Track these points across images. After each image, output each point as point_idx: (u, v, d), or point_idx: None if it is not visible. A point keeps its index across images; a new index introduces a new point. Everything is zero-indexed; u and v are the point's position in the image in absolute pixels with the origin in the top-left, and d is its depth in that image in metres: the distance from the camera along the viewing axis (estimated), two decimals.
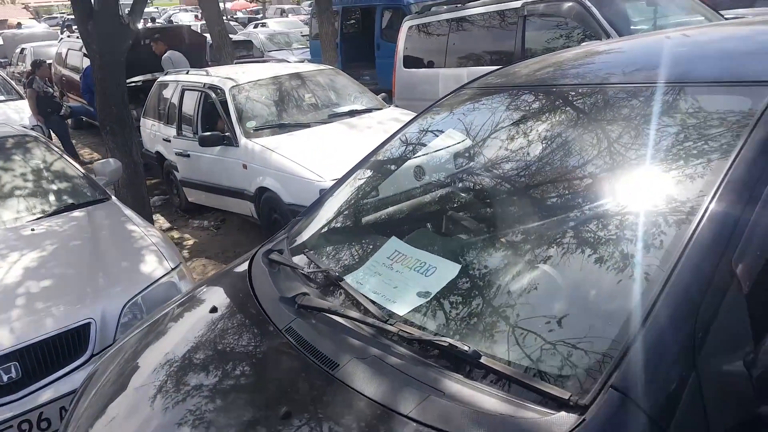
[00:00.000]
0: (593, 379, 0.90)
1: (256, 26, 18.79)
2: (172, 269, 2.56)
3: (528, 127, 1.56)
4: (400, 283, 1.32)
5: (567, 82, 1.64)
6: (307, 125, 4.71)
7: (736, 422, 0.89)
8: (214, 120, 5.22)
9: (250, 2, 34.50)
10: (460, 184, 1.75)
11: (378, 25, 10.61)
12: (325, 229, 1.80)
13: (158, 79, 6.18)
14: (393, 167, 1.91)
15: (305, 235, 1.78)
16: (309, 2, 33.50)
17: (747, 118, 1.10)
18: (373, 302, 1.28)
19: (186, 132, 5.38)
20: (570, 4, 4.37)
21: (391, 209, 1.82)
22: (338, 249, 1.71)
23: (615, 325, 0.95)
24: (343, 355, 1.15)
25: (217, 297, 1.68)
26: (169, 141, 5.54)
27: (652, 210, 1.11)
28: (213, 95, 5.02)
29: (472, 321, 1.18)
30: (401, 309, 1.24)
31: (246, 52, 12.34)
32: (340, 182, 1.93)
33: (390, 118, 4.77)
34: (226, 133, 4.72)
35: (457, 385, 0.99)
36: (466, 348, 1.02)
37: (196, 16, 23.61)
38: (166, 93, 5.83)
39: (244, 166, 4.54)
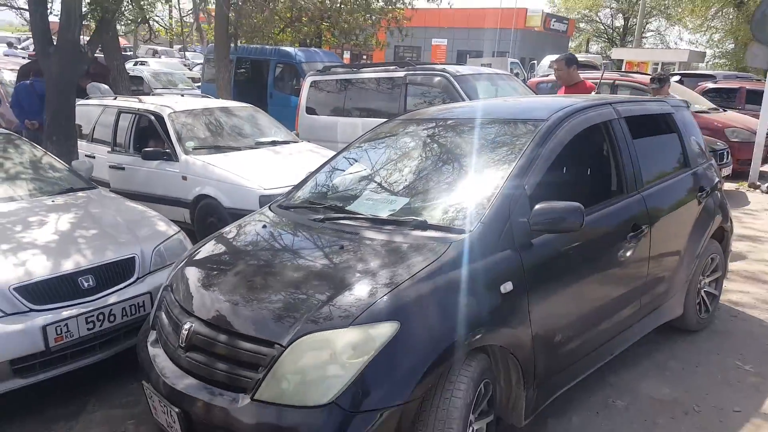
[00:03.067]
0: (473, 220, 2.32)
1: (135, 64, 18.96)
2: (179, 231, 3.58)
3: (419, 139, 3.07)
4: (371, 208, 2.67)
5: (440, 117, 3.19)
6: (237, 149, 5.82)
7: (526, 241, 2.36)
8: (145, 139, 6.07)
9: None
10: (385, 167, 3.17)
11: (271, 77, 11.94)
12: (310, 195, 3.08)
13: (81, 103, 6.81)
14: (344, 167, 3.28)
15: (295, 201, 3.05)
16: (179, 47, 33.80)
17: (528, 136, 2.66)
18: (360, 215, 2.61)
19: (119, 149, 6.13)
20: (439, 78, 6.20)
21: (350, 185, 3.17)
22: (321, 201, 3.00)
23: (480, 212, 2.38)
24: (356, 224, 2.47)
25: (257, 223, 2.86)
26: (93, 157, 6.20)
27: (484, 180, 2.59)
28: (152, 118, 5.91)
29: (414, 211, 2.56)
30: (378, 211, 2.59)
31: (137, 87, 12.81)
32: (306, 178, 3.25)
33: (306, 149, 6.07)
34: (167, 150, 5.65)
35: (414, 232, 2.36)
36: (412, 218, 2.40)
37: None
38: (92, 115, 6.51)
39: (184, 178, 5.48)
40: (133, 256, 3.17)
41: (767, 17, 7.50)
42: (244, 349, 2.05)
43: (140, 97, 6.72)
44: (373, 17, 14.93)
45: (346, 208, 2.70)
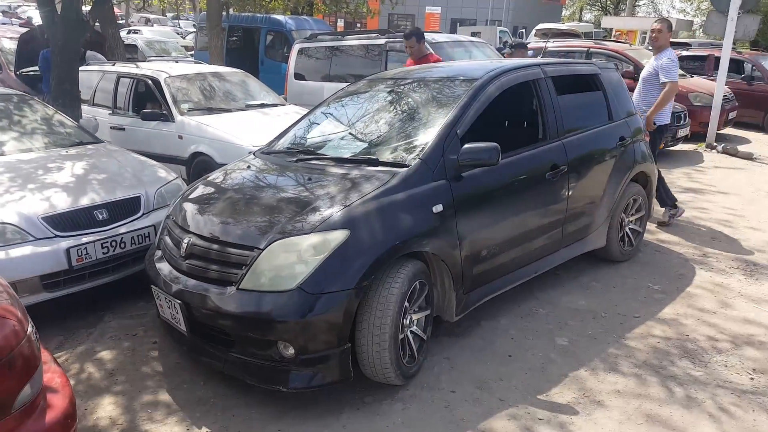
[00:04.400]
0: (414, 157, 2.93)
1: (129, 32, 19.20)
2: (177, 177, 4.18)
3: (378, 96, 3.66)
4: (336, 151, 3.26)
5: (397, 77, 3.77)
6: (229, 110, 6.36)
7: (456, 174, 2.95)
8: (143, 102, 6.60)
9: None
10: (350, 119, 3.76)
11: (262, 45, 12.36)
12: (287, 144, 3.67)
13: (82, 69, 7.30)
14: (316, 120, 3.85)
15: (275, 148, 3.63)
16: (172, 15, 33.74)
17: (463, 91, 3.23)
18: (327, 156, 3.21)
19: (119, 111, 6.67)
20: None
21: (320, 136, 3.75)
22: (296, 147, 3.59)
23: (421, 146, 2.98)
24: (324, 163, 3.08)
25: (242, 165, 3.46)
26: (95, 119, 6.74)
27: (431, 123, 3.17)
28: (150, 82, 6.43)
29: (370, 152, 3.15)
30: (341, 154, 3.19)
31: (131, 55, 13.18)
32: (284, 131, 3.82)
33: (292, 111, 6.61)
34: (164, 111, 6.19)
35: (367, 167, 2.96)
36: (366, 157, 3.00)
37: None
38: (92, 81, 7.02)
39: (180, 137, 6.04)
40: (139, 196, 3.77)
41: None
42: (231, 254, 2.66)
43: (137, 63, 7.20)
44: None
45: (317, 152, 3.30)
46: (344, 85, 7.51)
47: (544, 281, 3.92)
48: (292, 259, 2.55)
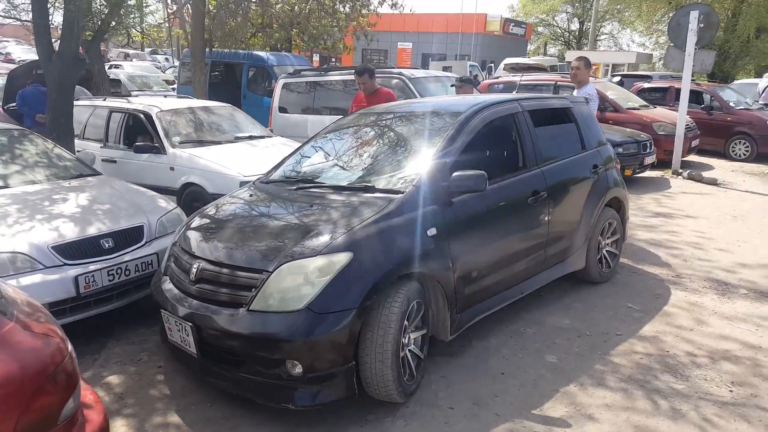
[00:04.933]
0: (407, 185, 3.17)
1: (110, 67, 19.34)
2: (176, 207, 4.34)
3: (369, 128, 3.93)
4: (334, 180, 3.49)
5: (386, 111, 4.05)
6: (219, 142, 6.57)
7: (447, 200, 3.20)
8: (135, 135, 6.76)
9: None
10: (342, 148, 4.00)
11: (245, 79, 12.65)
12: (286, 174, 3.88)
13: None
14: (312, 152, 4.09)
15: (273, 178, 3.84)
16: (150, 50, 34.04)
17: (449, 124, 3.51)
18: (325, 184, 3.44)
19: (110, 144, 6.81)
20: (396, 80, 7.09)
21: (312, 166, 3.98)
22: (294, 176, 3.80)
23: (414, 174, 3.22)
24: (323, 191, 3.30)
25: (245, 194, 3.65)
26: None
27: (422, 153, 3.43)
28: (142, 116, 6.61)
29: (367, 180, 3.38)
30: (339, 182, 3.41)
31: (115, 89, 13.32)
32: (281, 162, 4.05)
33: (279, 143, 6.85)
34: (155, 144, 6.35)
35: (365, 194, 3.19)
36: (363, 185, 3.23)
37: None
38: (82, 115, 7.16)
39: (171, 168, 6.20)
40: (142, 225, 3.92)
41: (681, 25, 8.59)
42: (241, 277, 2.84)
43: (128, 98, 7.38)
44: (340, 23, 15.74)
45: (315, 180, 3.52)
46: (329, 118, 8.00)
47: (529, 302, 4.15)
48: (300, 280, 2.73)
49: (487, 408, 2.98)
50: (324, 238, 2.84)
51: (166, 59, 29.03)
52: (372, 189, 3.23)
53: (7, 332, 1.71)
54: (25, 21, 5.92)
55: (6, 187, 4.14)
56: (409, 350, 3.00)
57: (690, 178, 8.81)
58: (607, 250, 4.65)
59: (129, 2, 6.25)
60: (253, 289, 2.76)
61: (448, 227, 3.15)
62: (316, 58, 23.18)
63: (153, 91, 15.74)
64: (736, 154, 10.74)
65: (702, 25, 8.34)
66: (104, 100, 7.34)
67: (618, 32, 39.09)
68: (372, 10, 16.16)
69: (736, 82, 17.00)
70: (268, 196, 3.55)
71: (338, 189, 3.33)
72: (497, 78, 13.00)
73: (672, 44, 9.12)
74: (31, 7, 5.59)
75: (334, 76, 8.02)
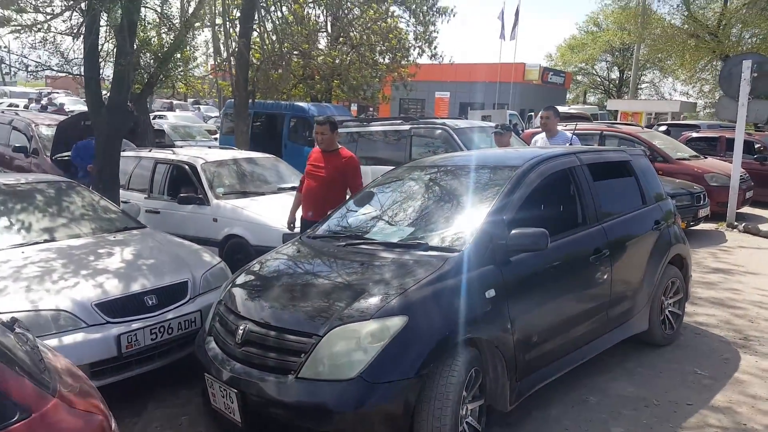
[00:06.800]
0: (464, 243, 3.00)
1: (154, 117, 20.12)
2: (221, 261, 4.27)
3: (421, 182, 3.82)
4: (384, 236, 3.35)
5: (438, 164, 3.93)
6: (262, 193, 6.58)
7: (505, 258, 3.02)
8: (178, 186, 6.84)
9: None
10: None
11: (286, 129, 12.91)
12: (333, 228, 3.78)
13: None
14: (360, 205, 3.98)
15: (320, 233, 3.74)
16: (192, 100, 35.49)
17: (506, 179, 3.37)
18: (375, 240, 3.30)
19: (154, 195, 6.90)
20: (440, 131, 7.03)
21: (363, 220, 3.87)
22: (342, 231, 3.69)
23: (470, 231, 3.07)
24: (373, 248, 3.16)
25: (291, 250, 3.54)
26: (128, 203, 6.96)
27: (472, 212, 3.27)
28: (186, 168, 6.70)
29: (419, 237, 3.23)
30: (389, 238, 3.28)
31: (159, 139, 13.78)
32: (328, 216, 3.97)
33: None
34: (199, 195, 6.40)
35: (418, 252, 3.04)
36: (416, 242, 3.08)
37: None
38: (128, 167, 7.32)
39: (215, 220, 6.21)
40: (186, 281, 3.84)
41: (733, 75, 8.36)
42: (289, 341, 2.69)
43: (174, 149, 7.54)
44: (380, 74, 16.08)
45: (364, 236, 3.39)
46: (371, 168, 7.97)
47: (590, 367, 3.85)
48: (352, 346, 2.57)
49: None
50: (376, 300, 2.68)
51: (199, 109, 30.03)
52: (425, 247, 3.07)
53: (50, 410, 1.59)
54: (77, 74, 6.13)
55: (52, 240, 4.14)
56: (467, 422, 2.77)
57: (746, 231, 8.36)
58: (670, 311, 4.34)
59: (176, 56, 6.42)
60: (302, 355, 2.60)
61: (506, 288, 2.96)
62: (353, 107, 23.68)
63: (195, 141, 16.22)
64: None
65: (756, 75, 8.09)
66: (150, 151, 7.50)
67: (659, 81, 38.89)
68: (411, 60, 16.48)
69: None
70: (315, 253, 3.43)
71: (389, 246, 3.19)
72: (537, 128, 12.88)
73: (723, 94, 8.87)
74: (83, 62, 5.80)
75: (377, 127, 8.04)
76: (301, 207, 4.94)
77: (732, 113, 8.59)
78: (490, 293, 2.87)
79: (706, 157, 10.16)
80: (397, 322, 2.57)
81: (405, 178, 3.95)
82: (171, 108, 27.81)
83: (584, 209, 3.62)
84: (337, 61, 14.63)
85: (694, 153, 10.16)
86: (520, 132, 11.96)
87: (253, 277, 3.36)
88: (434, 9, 15.71)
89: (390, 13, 15.72)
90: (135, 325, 3.45)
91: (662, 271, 4.11)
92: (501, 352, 2.91)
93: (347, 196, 4.45)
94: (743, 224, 8.56)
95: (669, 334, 4.32)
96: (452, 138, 6.84)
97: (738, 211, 8.94)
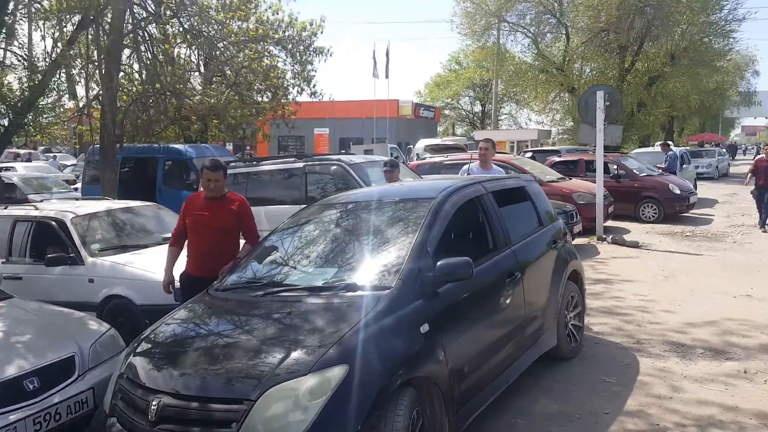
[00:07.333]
0: (393, 279, 2.92)
1: (1, 170, 17.83)
2: (110, 328, 3.77)
3: (338, 219, 3.70)
4: (307, 280, 3.18)
5: (354, 200, 3.87)
6: (145, 246, 6.00)
7: (433, 290, 2.99)
8: (44, 246, 6.03)
9: None
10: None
11: (161, 173, 12.06)
12: (246, 278, 3.52)
13: None
14: (273, 249, 3.77)
15: (230, 284, 3.47)
16: (43, 148, 32.08)
17: (425, 210, 3.37)
18: (298, 286, 3.11)
19: (15, 258, 6.01)
20: (335, 167, 6.99)
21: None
22: (258, 280, 3.44)
23: (397, 267, 3.00)
24: (297, 294, 2.96)
25: (199, 306, 3.22)
26: None
27: (397, 246, 3.22)
28: (53, 224, 5.93)
29: (344, 278, 3.09)
30: (313, 282, 3.11)
31: (9, 194, 12.18)
32: (235, 265, 3.71)
33: None
34: (71, 254, 5.67)
35: (348, 293, 2.90)
36: (344, 283, 2.95)
37: None
38: None
39: (91, 281, 5.53)
40: (72, 355, 3.32)
41: (589, 104, 9.44)
42: (216, 411, 2.39)
43: (35, 204, 6.68)
44: (263, 112, 15.79)
45: (285, 282, 3.18)
46: (268, 210, 7.57)
47: (512, 390, 3.91)
48: (290, 407, 2.34)
49: None
50: (312, 352, 2.49)
51: (54, 158, 27.32)
52: (354, 287, 2.94)
53: None
54: None
55: None
56: None
57: (614, 242, 9.28)
58: (572, 324, 4.60)
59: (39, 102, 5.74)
60: (233, 425, 2.32)
61: (438, 321, 2.91)
62: (229, 146, 22.97)
63: (52, 194, 14.60)
64: (645, 217, 11.57)
65: (608, 103, 9.16)
66: (6, 208, 6.56)
67: (516, 112, 43.02)
68: (292, 98, 16.40)
69: (633, 151, 18.77)
70: (230, 307, 3.15)
71: (314, 290, 3.01)
72: (423, 159, 13.45)
73: (582, 121, 9.91)
74: None
75: (268, 166, 7.78)
76: (187, 262, 4.30)
77: (591, 138, 9.62)
78: (425, 328, 2.80)
79: (570, 179, 11.20)
80: (337, 373, 2.40)
81: (318, 217, 3.82)
82: (29, 159, 24.89)
83: (495, 235, 3.74)
84: (213, 101, 14.11)
85: (561, 175, 11.17)
86: (406, 163, 12.33)
87: (158, 343, 2.98)
88: (311, 49, 15.88)
89: (267, 53, 15.58)
90: (13, 417, 2.89)
91: (564, 288, 4.36)
92: (438, 387, 2.84)
93: (241, 244, 4.21)
94: (611, 236, 9.49)
95: (574, 347, 4.56)
96: (349, 174, 6.81)
97: (604, 224, 9.91)
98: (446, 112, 44.02)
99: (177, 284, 4.35)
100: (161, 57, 10.43)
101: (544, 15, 24.91)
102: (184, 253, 4.46)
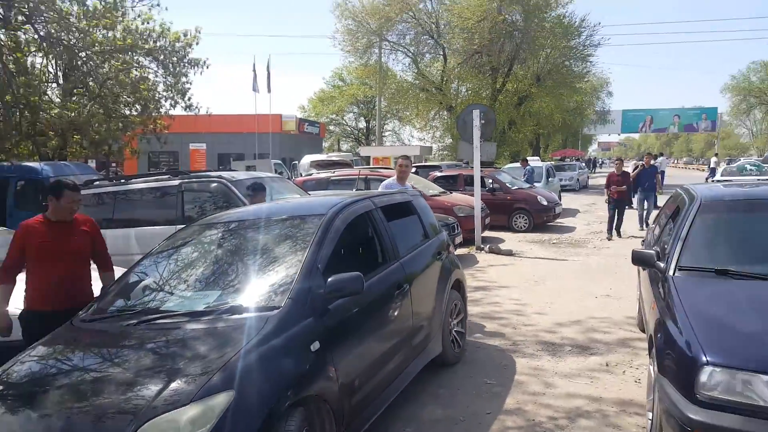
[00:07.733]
0: (282, 298, 2.85)
1: None
2: None
3: (221, 239, 3.57)
4: (186, 305, 3.00)
5: (237, 218, 3.76)
6: None
7: (324, 307, 2.96)
8: None
9: None
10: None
11: (12, 195, 10.76)
12: (116, 306, 3.25)
13: None
14: (146, 273, 3.53)
15: (98, 313, 3.19)
16: None
17: (314, 227, 3.35)
18: (176, 312, 2.93)
19: None
20: (216, 184, 6.70)
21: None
22: (130, 308, 3.20)
23: (286, 285, 2.94)
24: (175, 320, 2.79)
25: (61, 340, 2.91)
26: None
27: (286, 264, 3.17)
28: None
29: (229, 300, 2.97)
30: (193, 307, 2.94)
31: None
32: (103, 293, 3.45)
33: None
34: None
35: (233, 316, 2.79)
36: (228, 305, 2.83)
37: None
38: None
39: None
40: None
41: (467, 123, 10.05)
42: None
43: None
44: (132, 126, 14.74)
45: (161, 309, 2.98)
46: (139, 232, 6.99)
47: (400, 398, 3.99)
48: None
49: None
50: (194, 380, 2.35)
51: None
52: (240, 309, 2.83)
53: None
54: None
55: None
56: None
57: (491, 251, 9.89)
58: (456, 331, 4.81)
59: None
60: None
61: (329, 337, 2.90)
62: (91, 163, 21.17)
63: None
64: (517, 227, 12.50)
65: (483, 122, 9.80)
66: None
67: (399, 128, 44.43)
68: (164, 112, 15.50)
69: (505, 166, 20.20)
70: (99, 338, 2.88)
71: (195, 315, 2.84)
72: (309, 175, 13.37)
73: (461, 138, 10.51)
74: None
75: (139, 185, 7.26)
76: (28, 298, 3.65)
77: (470, 154, 10.22)
78: (315, 346, 2.77)
79: (451, 192, 11.79)
80: (222, 400, 2.29)
81: (198, 238, 3.63)
82: None
83: (384, 249, 3.82)
84: (73, 114, 12.91)
85: (442, 189, 11.71)
86: (292, 179, 12.18)
87: (11, 384, 2.63)
88: (185, 60, 15.12)
89: (137, 64, 14.62)
90: None
91: (448, 296, 4.55)
92: (328, 403, 2.82)
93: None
94: (488, 246, 10.11)
95: (458, 353, 4.77)
96: (231, 191, 6.55)
97: (482, 235, 10.54)
98: (331, 127, 44.27)
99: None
100: (12, 66, 9.36)
101: (422, 36, 26.21)
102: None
